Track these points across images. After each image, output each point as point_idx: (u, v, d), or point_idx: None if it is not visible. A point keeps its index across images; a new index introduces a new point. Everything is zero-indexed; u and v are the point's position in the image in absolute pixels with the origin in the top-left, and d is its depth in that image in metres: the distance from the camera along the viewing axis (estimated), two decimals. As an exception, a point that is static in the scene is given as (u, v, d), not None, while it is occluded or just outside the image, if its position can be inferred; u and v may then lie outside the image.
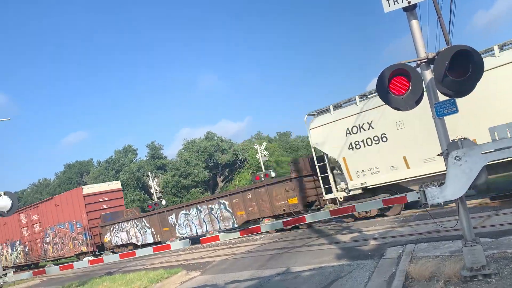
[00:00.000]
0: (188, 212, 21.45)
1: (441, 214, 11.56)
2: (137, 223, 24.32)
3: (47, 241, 30.54)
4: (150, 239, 23.66)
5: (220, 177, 58.17)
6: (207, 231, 20.38)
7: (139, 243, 24.13)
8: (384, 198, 6.25)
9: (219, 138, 59.08)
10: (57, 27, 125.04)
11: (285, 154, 62.55)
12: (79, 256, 27.79)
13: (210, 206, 20.42)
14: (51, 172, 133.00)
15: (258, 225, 8.49)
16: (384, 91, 6.04)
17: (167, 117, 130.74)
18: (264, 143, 37.99)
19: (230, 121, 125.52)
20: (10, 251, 34.75)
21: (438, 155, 6.32)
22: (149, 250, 7.87)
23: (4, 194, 9.57)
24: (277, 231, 17.18)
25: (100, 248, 27.29)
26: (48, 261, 30.26)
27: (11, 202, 9.55)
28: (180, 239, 20.13)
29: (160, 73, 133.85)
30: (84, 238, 27.19)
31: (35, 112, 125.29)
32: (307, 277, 8.41)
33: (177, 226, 22.06)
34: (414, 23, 6.28)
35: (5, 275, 8.66)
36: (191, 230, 21.27)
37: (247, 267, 11.04)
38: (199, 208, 20.81)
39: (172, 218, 22.39)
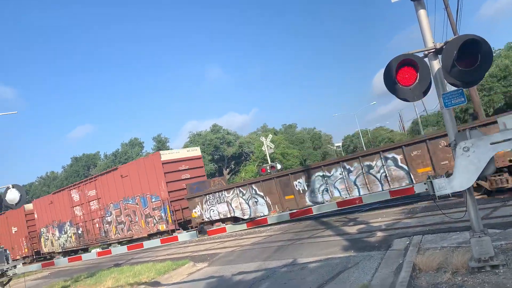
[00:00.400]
0: (327, 174, 16.44)
1: (448, 205, 11.51)
2: (244, 192, 19.22)
3: (109, 220, 26.28)
4: (263, 211, 18.51)
5: (226, 170, 58.32)
6: (359, 194, 15.39)
7: (246, 216, 19.13)
8: (391, 190, 6.22)
9: (225, 130, 59.15)
10: (65, 21, 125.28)
11: (291, 146, 62.55)
12: (153, 236, 23.04)
13: (366, 163, 15.26)
14: (58, 165, 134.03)
15: (265, 216, 8.49)
16: (391, 82, 6.00)
17: (173, 110, 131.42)
18: (270, 136, 37.91)
19: (236, 113, 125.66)
20: (57, 234, 30.94)
21: (446, 146, 6.29)
22: (156, 242, 7.91)
23: (13, 187, 9.64)
24: (283, 222, 17.21)
25: (183, 226, 22.66)
26: (109, 244, 26.04)
27: (19, 195, 9.62)
28: (314, 206, 14.15)
29: (166, 67, 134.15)
30: (163, 214, 22.44)
31: (43, 106, 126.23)
32: (313, 268, 8.43)
33: (308, 193, 17.16)
34: (422, 12, 6.21)
35: (15, 266, 8.75)
36: (331, 195, 16.35)
37: (253, 258, 11.08)
38: (347, 167, 15.82)
39: (300, 183, 17.37)
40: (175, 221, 22.06)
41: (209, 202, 20.63)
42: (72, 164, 70.98)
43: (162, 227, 22.58)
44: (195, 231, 7.77)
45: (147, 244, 7.89)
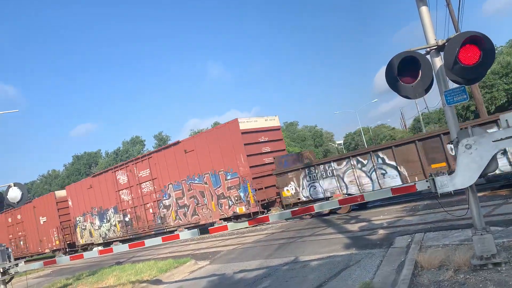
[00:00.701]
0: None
1: (450, 203, 11.49)
2: (364, 162, 15.10)
3: (166, 204, 22.47)
4: (393, 183, 14.24)
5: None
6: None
7: (368, 190, 14.94)
8: (393, 187, 6.20)
9: (226, 128, 59.02)
10: (65, 21, 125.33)
11: (292, 144, 62.51)
12: (228, 220, 19.49)
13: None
14: (60, 164, 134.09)
15: (267, 215, 8.48)
16: (393, 80, 5.97)
17: (175, 108, 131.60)
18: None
19: (237, 111, 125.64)
20: (97, 223, 27.49)
21: (449, 143, 6.27)
22: (158, 240, 7.92)
23: (14, 185, 9.65)
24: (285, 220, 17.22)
25: (265, 207, 18.87)
26: (166, 232, 22.39)
27: (21, 193, 9.63)
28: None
29: (166, 66, 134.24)
30: (242, 194, 18.74)
31: (44, 105, 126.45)
32: (315, 266, 8.42)
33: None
34: (424, 9, 6.18)
35: (16, 265, 8.75)
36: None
37: (255, 256, 11.08)
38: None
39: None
40: (258, 201, 18.24)
41: (310, 177, 16.76)
42: (73, 162, 71.15)
43: (241, 209, 18.84)
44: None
45: (148, 242, 7.88)
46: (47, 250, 31.16)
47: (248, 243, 13.67)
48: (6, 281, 8.62)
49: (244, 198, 18.70)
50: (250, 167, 18.61)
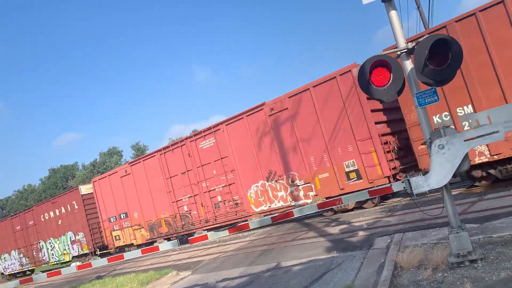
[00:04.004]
0: None
1: (428, 202, 11.70)
2: None
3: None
4: None
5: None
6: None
7: None
8: (370, 189, 6.27)
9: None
10: (45, 26, 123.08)
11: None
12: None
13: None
14: (35, 178, 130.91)
15: (247, 222, 8.45)
16: (366, 83, 6.06)
17: (157, 115, 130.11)
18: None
19: (223, 116, 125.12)
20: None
21: (422, 144, 6.38)
22: (137, 253, 7.80)
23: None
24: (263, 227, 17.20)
25: None
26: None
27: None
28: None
29: (148, 72, 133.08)
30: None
31: (16, 118, 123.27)
32: (297, 271, 8.42)
33: None
34: (393, 13, 6.29)
35: (-9, 285, 8.49)
36: None
37: (237, 264, 11.02)
38: None
39: None
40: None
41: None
42: (50, 176, 69.59)
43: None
44: (176, 240, 7.66)
45: (127, 255, 7.75)
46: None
47: (230, 251, 13.60)
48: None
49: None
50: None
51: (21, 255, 31.58)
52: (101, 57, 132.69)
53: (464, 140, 5.51)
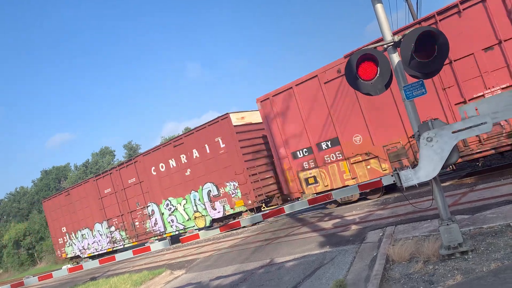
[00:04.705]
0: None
1: (420, 194, 11.73)
2: None
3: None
4: None
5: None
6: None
7: None
8: (360, 184, 6.25)
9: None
10: (36, 23, 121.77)
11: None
12: None
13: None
14: (28, 180, 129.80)
15: (238, 220, 8.41)
16: (353, 77, 6.03)
17: (150, 113, 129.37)
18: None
19: (216, 112, 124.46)
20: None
21: (410, 137, 6.37)
22: (128, 254, 7.73)
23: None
24: (258, 223, 17.18)
25: None
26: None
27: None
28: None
29: (140, 70, 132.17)
30: None
31: (7, 119, 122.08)
32: (290, 267, 8.41)
33: None
34: (379, 7, 6.26)
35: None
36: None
37: (231, 261, 10.99)
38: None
39: None
40: None
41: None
42: (42, 177, 69.03)
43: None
44: (167, 239, 7.61)
45: (119, 256, 7.69)
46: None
47: (224, 248, 13.57)
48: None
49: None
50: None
51: (112, 229, 23.93)
52: (92, 56, 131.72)
53: (452, 132, 5.50)
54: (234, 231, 17.27)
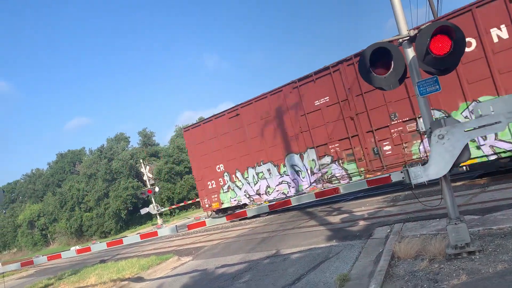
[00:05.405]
0: None
1: (430, 192, 11.60)
2: None
3: None
4: None
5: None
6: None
7: None
8: (369, 179, 6.21)
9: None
10: (56, 15, 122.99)
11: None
12: None
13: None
14: (43, 162, 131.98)
15: (244, 209, 8.45)
16: (366, 71, 5.95)
17: (167, 101, 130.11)
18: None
19: (232, 103, 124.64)
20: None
21: (422, 133, 6.28)
22: (136, 238, 7.83)
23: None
24: (268, 214, 17.23)
25: None
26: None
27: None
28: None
29: (160, 58, 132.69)
30: None
31: (25, 102, 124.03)
32: (295, 259, 8.42)
33: None
34: (396, 0, 6.15)
35: (-7, 267, 8.60)
36: None
37: (238, 250, 11.05)
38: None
39: None
40: None
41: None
42: (57, 160, 70.06)
43: None
44: (175, 225, 7.70)
45: (126, 240, 7.79)
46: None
47: (232, 238, 13.64)
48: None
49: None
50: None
51: (327, 160, 15.25)
52: (118, 42, 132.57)
53: (465, 131, 5.41)
54: (242, 221, 17.34)
